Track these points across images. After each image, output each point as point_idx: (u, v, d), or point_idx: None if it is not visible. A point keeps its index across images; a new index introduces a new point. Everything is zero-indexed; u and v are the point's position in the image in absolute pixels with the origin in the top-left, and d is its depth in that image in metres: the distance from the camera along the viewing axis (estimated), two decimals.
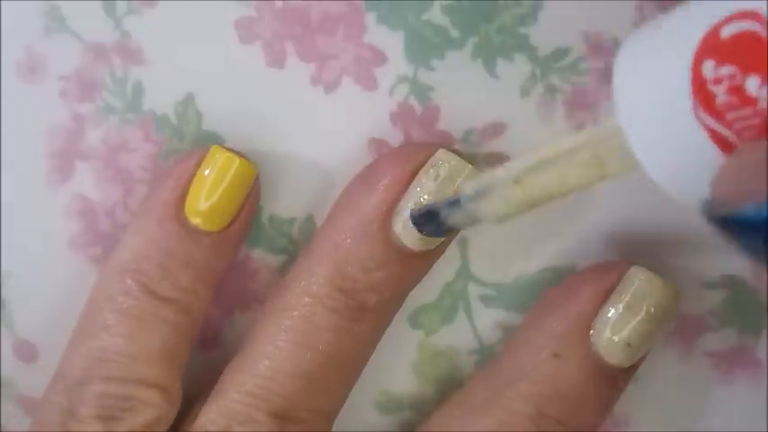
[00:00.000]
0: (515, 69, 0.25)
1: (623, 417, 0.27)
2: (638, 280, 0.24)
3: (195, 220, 0.24)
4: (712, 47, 0.16)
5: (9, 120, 0.26)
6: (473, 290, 0.27)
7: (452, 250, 0.26)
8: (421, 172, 0.24)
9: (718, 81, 0.16)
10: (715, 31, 0.16)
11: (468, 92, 0.26)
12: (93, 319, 0.25)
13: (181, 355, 0.25)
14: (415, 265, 0.24)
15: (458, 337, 0.27)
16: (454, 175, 0.24)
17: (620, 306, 0.24)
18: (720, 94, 0.16)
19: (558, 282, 0.26)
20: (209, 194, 0.24)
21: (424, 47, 0.25)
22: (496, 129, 0.26)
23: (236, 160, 0.24)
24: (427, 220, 0.23)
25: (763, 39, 0.16)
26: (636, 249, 0.26)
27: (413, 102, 0.26)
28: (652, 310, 0.24)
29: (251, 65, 0.26)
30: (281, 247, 0.27)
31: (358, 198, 0.24)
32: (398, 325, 0.27)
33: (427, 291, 0.26)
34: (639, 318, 0.24)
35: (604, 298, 0.24)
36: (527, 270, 0.26)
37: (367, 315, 0.24)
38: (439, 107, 0.26)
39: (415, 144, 0.25)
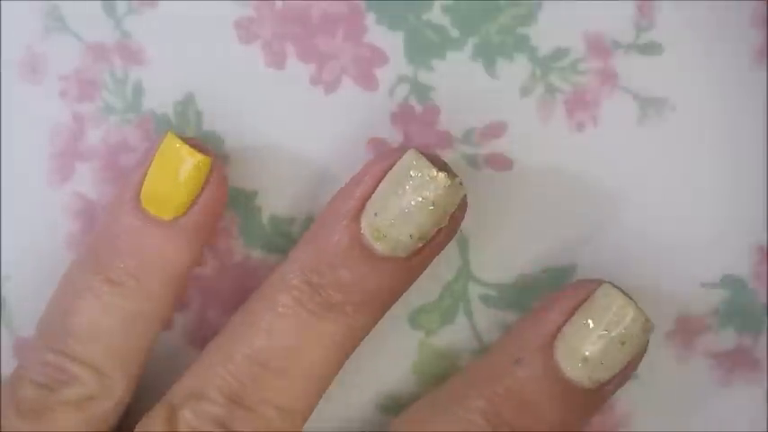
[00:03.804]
0: (515, 69, 0.25)
1: (623, 417, 0.27)
2: (604, 297, 0.24)
3: (146, 206, 0.24)
4: None
5: (9, 120, 0.26)
6: (473, 290, 0.27)
7: (452, 250, 0.26)
8: (389, 173, 0.23)
9: None
10: None
11: (468, 92, 0.26)
12: (58, 290, 0.25)
13: (117, 341, 0.24)
14: (383, 270, 0.24)
15: (458, 337, 0.27)
16: (416, 175, 0.23)
17: (582, 320, 0.24)
18: None
19: (557, 282, 0.26)
20: (157, 181, 0.24)
21: (424, 47, 0.25)
22: (496, 129, 0.26)
23: (181, 148, 0.24)
24: None
25: None
26: (635, 249, 0.26)
27: (413, 102, 0.26)
28: (611, 326, 0.23)
29: (251, 65, 0.26)
30: (280, 247, 0.27)
31: (337, 196, 0.24)
32: (398, 325, 0.27)
33: (427, 291, 0.26)
34: (598, 333, 0.24)
35: (572, 313, 0.24)
36: (527, 270, 0.26)
37: (331, 315, 0.24)
38: (439, 107, 0.26)
39: (395, 147, 0.25)
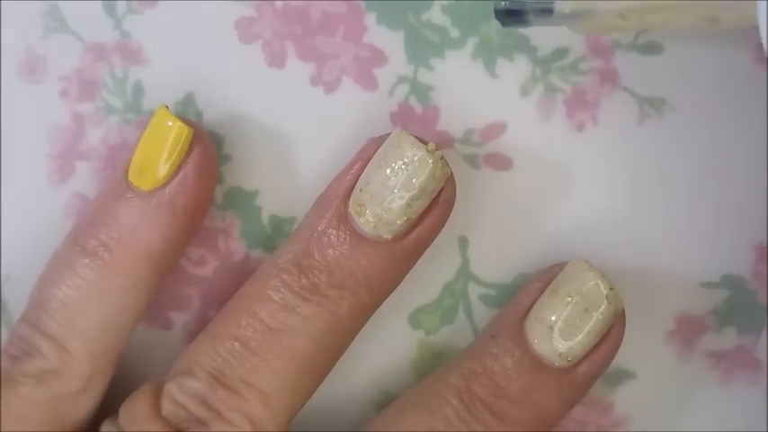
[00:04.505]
0: (515, 69, 0.25)
1: (623, 417, 0.27)
2: (570, 267, 0.24)
3: (130, 178, 0.24)
4: None
5: (9, 120, 0.26)
6: (473, 290, 0.27)
7: (452, 250, 0.26)
8: (376, 152, 0.24)
9: None
10: None
11: (468, 92, 0.26)
12: (47, 263, 0.25)
13: (83, 317, 0.24)
14: (368, 252, 0.24)
15: (458, 337, 0.27)
16: (398, 149, 0.23)
17: (548, 291, 0.24)
18: None
19: None
20: (140, 151, 0.24)
21: (424, 47, 0.25)
22: (496, 129, 0.26)
23: (165, 116, 0.24)
24: (510, 16, 0.22)
25: None
26: (636, 249, 0.26)
27: (413, 102, 0.26)
28: (573, 293, 0.24)
29: (251, 65, 0.26)
30: None
31: (332, 181, 0.25)
32: (398, 325, 0.27)
33: (427, 291, 0.27)
34: (562, 300, 0.24)
35: (543, 290, 0.25)
36: (527, 270, 0.26)
37: (315, 298, 0.24)
38: (439, 107, 0.26)
39: (386, 133, 0.25)
